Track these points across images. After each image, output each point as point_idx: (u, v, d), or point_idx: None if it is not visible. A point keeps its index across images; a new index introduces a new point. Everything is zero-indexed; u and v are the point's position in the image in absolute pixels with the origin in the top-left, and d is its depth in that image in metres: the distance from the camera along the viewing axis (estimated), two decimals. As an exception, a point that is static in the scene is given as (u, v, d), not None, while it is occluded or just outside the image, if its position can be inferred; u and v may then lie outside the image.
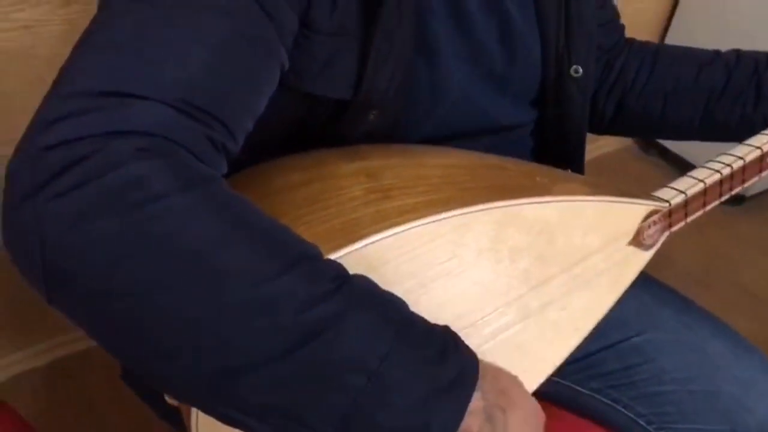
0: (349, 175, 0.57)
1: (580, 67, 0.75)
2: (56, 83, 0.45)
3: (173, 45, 0.47)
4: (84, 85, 0.44)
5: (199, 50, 0.47)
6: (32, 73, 1.09)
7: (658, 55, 0.87)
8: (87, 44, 0.47)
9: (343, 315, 0.42)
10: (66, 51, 1.15)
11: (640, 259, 0.63)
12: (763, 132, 0.71)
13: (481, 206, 0.54)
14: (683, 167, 1.92)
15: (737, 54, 0.84)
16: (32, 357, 1.40)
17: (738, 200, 1.95)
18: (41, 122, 0.43)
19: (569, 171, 0.82)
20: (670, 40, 2.00)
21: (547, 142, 0.82)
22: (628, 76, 0.87)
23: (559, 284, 0.58)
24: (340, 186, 0.56)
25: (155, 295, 0.40)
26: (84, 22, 1.07)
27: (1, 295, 1.27)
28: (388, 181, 0.56)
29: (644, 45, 0.90)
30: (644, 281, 0.75)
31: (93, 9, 1.07)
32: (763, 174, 0.69)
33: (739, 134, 0.76)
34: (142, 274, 0.40)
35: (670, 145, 2.06)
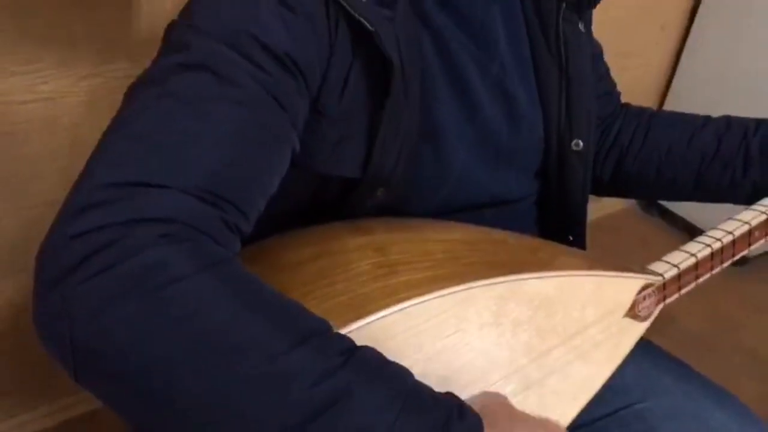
0: (357, 249, 0.60)
1: (580, 141, 0.79)
2: (83, 174, 0.49)
3: (193, 136, 0.51)
4: (109, 176, 0.48)
5: (217, 140, 0.51)
6: (54, 142, 1.14)
7: (652, 120, 0.92)
8: (113, 135, 0.51)
9: (352, 388, 0.44)
10: (87, 120, 1.20)
11: (637, 330, 0.65)
12: (751, 207, 0.74)
13: (483, 281, 0.57)
14: (685, 228, 1.97)
15: (727, 120, 0.88)
16: (43, 417, 1.41)
17: (741, 262, 1.97)
18: (69, 213, 0.46)
19: (570, 240, 0.86)
20: (668, 106, 2.05)
21: (550, 213, 0.85)
22: (624, 140, 0.92)
23: (558, 355, 0.61)
24: (349, 260, 0.59)
25: (175, 372, 0.42)
26: (104, 94, 1.13)
27: (13, 357, 1.30)
28: (394, 256, 0.60)
29: (639, 111, 0.94)
30: (644, 347, 0.77)
31: (113, 82, 1.13)
32: (753, 247, 0.72)
33: (731, 197, 0.80)
34: (162, 353, 0.42)
35: (672, 206, 2.09)
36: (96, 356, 0.43)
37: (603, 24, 1.84)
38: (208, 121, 0.52)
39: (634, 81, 1.96)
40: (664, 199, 0.82)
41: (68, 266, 0.44)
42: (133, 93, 0.54)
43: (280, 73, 0.57)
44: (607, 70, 0.93)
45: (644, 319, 0.66)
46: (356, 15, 0.60)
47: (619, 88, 1.83)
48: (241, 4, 0.58)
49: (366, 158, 0.65)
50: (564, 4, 0.76)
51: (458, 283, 0.56)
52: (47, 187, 1.16)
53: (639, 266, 0.68)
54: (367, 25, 0.60)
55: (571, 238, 0.86)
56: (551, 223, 0.85)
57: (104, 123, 1.17)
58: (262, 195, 0.57)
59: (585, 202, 0.85)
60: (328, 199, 0.69)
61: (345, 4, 0.59)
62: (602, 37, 1.95)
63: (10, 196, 1.14)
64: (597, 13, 1.90)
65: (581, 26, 0.78)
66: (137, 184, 0.47)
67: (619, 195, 0.96)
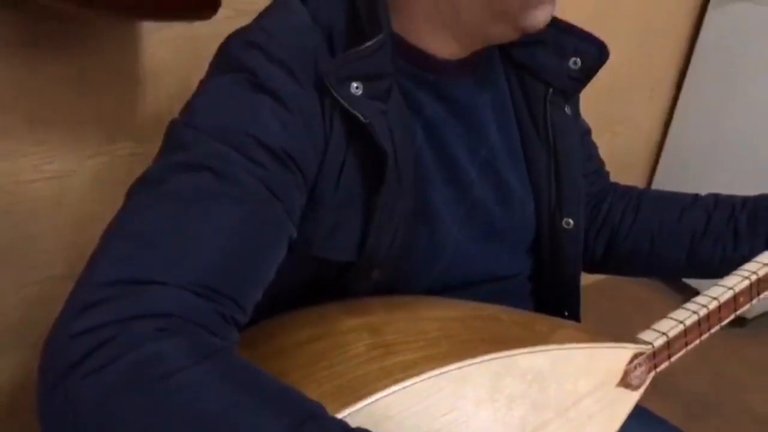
0: (353, 331, 0.62)
1: (571, 220, 0.82)
2: (85, 272, 0.51)
3: (191, 233, 0.54)
4: (109, 275, 0.50)
5: (214, 237, 0.54)
6: (60, 219, 1.16)
7: (642, 198, 0.94)
8: (113, 235, 0.54)
9: None
10: (92, 197, 1.22)
11: (630, 398, 0.67)
12: (734, 272, 0.76)
13: (477, 359, 0.58)
14: (682, 290, 1.97)
15: (715, 198, 0.91)
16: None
17: (740, 323, 1.97)
18: (70, 312, 0.48)
19: (566, 315, 0.87)
20: (659, 170, 2.09)
21: (544, 287, 0.87)
22: (614, 219, 0.94)
23: (554, 429, 0.62)
24: (345, 342, 0.61)
25: None
26: (108, 173, 1.16)
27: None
28: (389, 336, 0.61)
29: (628, 189, 0.97)
30: (640, 415, 0.78)
31: (117, 161, 1.16)
32: (738, 311, 0.74)
33: (724, 272, 0.82)
34: None
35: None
36: None
37: (592, 90, 1.88)
38: (207, 219, 0.55)
39: (624, 146, 2.01)
40: (658, 277, 0.84)
41: (70, 364, 0.46)
42: (134, 192, 0.57)
43: (277, 167, 0.60)
44: (595, 148, 0.96)
45: (636, 387, 0.67)
46: (351, 109, 0.63)
47: (609, 153, 1.87)
48: (238, 103, 0.61)
49: (361, 242, 0.67)
50: (551, 90, 0.79)
51: (453, 362, 0.57)
52: (51, 264, 1.19)
53: (629, 335, 0.70)
54: (362, 118, 0.63)
55: (566, 313, 0.87)
56: (546, 297, 0.87)
57: (109, 200, 1.20)
58: (259, 286, 0.59)
59: (578, 277, 0.87)
60: (325, 280, 0.71)
61: (341, 100, 0.63)
62: (592, 104, 1.99)
63: (14, 273, 1.16)
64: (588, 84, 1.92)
65: (567, 109, 0.81)
66: (136, 282, 0.50)
67: (613, 273, 0.98)
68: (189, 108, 0.63)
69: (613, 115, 1.93)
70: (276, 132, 0.60)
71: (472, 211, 0.77)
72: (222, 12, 0.94)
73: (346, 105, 0.63)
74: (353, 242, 0.67)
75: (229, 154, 0.58)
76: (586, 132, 0.94)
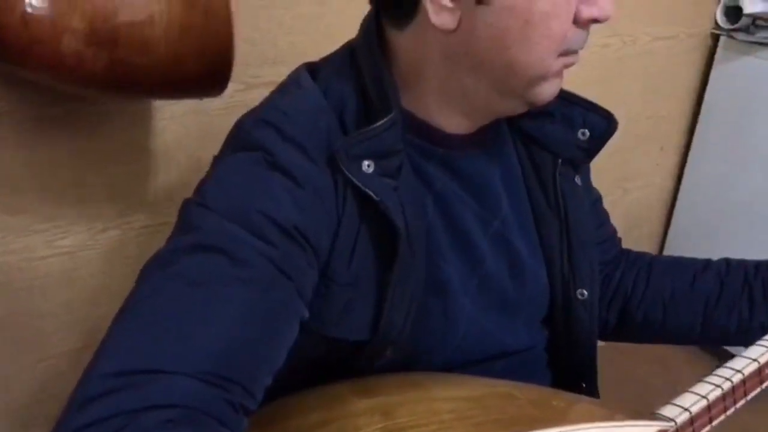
0: (364, 413, 0.61)
1: (585, 291, 0.80)
2: (94, 360, 0.51)
3: (201, 319, 0.53)
4: (114, 365, 0.50)
5: (224, 323, 0.54)
6: (72, 294, 1.16)
7: (653, 264, 0.93)
8: (122, 322, 0.54)
9: None
10: (104, 272, 1.23)
11: (652, 480, 0.64)
12: (758, 343, 0.74)
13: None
14: (701, 348, 1.93)
15: (727, 262, 0.89)
16: None
17: None
18: (77, 402, 0.48)
19: (583, 386, 0.85)
20: (673, 226, 2.07)
21: (560, 359, 0.85)
22: (627, 287, 0.92)
23: None
24: (357, 426, 0.59)
25: None
26: (120, 247, 1.17)
27: None
28: (401, 419, 0.60)
29: (640, 255, 0.96)
30: None
31: (129, 233, 1.16)
32: (764, 385, 0.72)
33: (740, 339, 0.80)
34: None
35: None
36: None
37: (602, 151, 1.89)
38: (217, 304, 0.54)
39: (637, 203, 2.00)
40: (674, 344, 0.82)
41: None
42: (145, 274, 0.57)
43: (289, 245, 0.60)
44: (607, 216, 0.95)
45: (659, 468, 0.65)
46: (363, 188, 0.63)
47: (622, 210, 1.87)
48: (251, 182, 0.61)
49: (375, 320, 0.67)
50: (560, 161, 0.79)
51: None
52: (64, 339, 1.18)
53: (648, 411, 0.68)
54: (374, 196, 0.63)
55: (583, 385, 0.85)
56: (563, 369, 0.85)
57: (121, 273, 1.20)
58: (269, 371, 0.58)
59: (594, 349, 0.85)
60: (338, 359, 0.70)
61: (353, 179, 0.63)
62: (601, 161, 1.99)
63: (27, 349, 1.16)
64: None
65: (578, 180, 0.81)
66: (142, 372, 0.49)
67: (627, 340, 0.96)
68: (202, 187, 0.63)
69: (624, 173, 1.93)
70: (288, 209, 0.61)
71: (485, 284, 0.76)
72: (231, 86, 0.95)
73: (358, 183, 0.63)
74: (367, 320, 0.67)
75: (241, 234, 0.58)
76: (597, 200, 0.94)
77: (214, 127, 1.16)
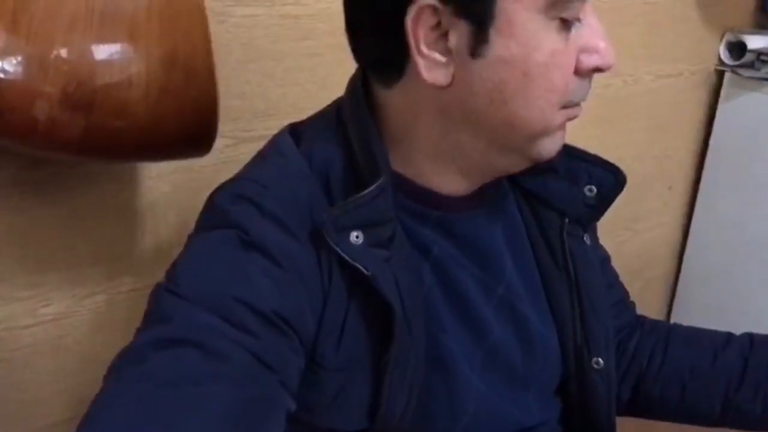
0: None
1: (600, 359, 0.75)
2: None
3: (175, 425, 0.47)
4: None
5: (199, 427, 0.47)
6: (58, 363, 1.11)
7: (671, 335, 0.87)
8: (90, 422, 0.48)
9: None
10: (91, 338, 1.17)
11: None
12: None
13: None
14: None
15: (750, 338, 0.83)
16: None
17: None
18: None
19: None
20: (686, 264, 2.01)
21: (575, 431, 0.79)
22: (642, 358, 0.86)
23: None
24: None
25: None
26: (107, 312, 1.12)
27: None
28: None
29: (656, 324, 0.90)
30: None
31: (117, 298, 1.12)
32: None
33: (766, 425, 0.73)
34: None
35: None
36: None
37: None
38: (192, 406, 0.49)
39: (647, 244, 1.94)
40: (691, 424, 0.76)
41: None
42: (113, 372, 0.52)
43: (270, 333, 0.54)
44: (616, 277, 0.90)
45: None
46: (352, 261, 0.58)
47: (632, 251, 1.78)
48: (226, 263, 0.56)
49: (372, 407, 0.61)
50: (566, 219, 0.74)
51: None
52: (49, 411, 1.12)
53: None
54: (364, 270, 0.58)
55: None
56: None
57: (109, 340, 1.15)
58: None
59: (612, 422, 0.78)
60: None
61: (340, 252, 0.58)
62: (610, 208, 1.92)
63: (9, 424, 1.10)
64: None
65: (586, 239, 0.75)
66: None
67: (640, 416, 0.90)
68: (173, 271, 0.58)
69: (632, 213, 1.88)
70: (268, 294, 0.55)
71: (492, 355, 0.70)
72: (221, 141, 0.91)
73: (345, 257, 0.58)
74: (363, 408, 0.61)
75: (216, 325, 0.53)
76: (605, 259, 0.88)
77: (204, 184, 1.10)
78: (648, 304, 1.96)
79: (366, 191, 0.60)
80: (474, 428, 0.68)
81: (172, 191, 1.11)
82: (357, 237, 0.59)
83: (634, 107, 1.76)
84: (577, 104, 0.65)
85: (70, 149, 0.79)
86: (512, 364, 0.72)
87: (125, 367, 0.51)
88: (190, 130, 0.83)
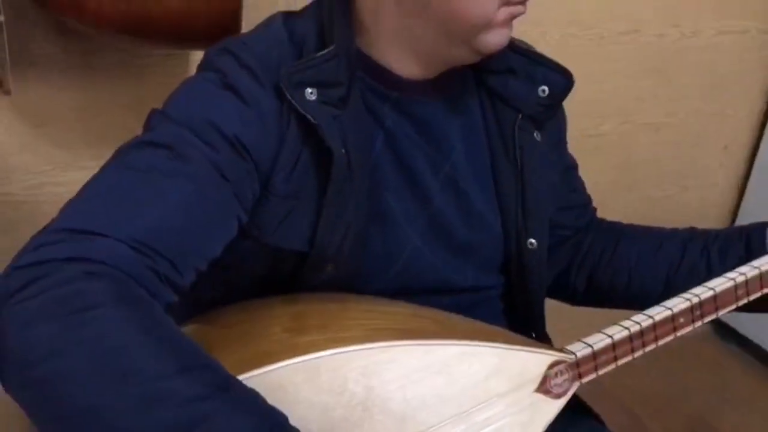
0: (278, 316, 0.68)
1: (534, 240, 0.84)
2: (56, 217, 0.61)
3: (141, 200, 0.62)
4: (65, 223, 0.59)
5: (160, 205, 0.62)
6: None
7: (622, 233, 0.96)
8: (81, 193, 0.63)
9: (219, 414, 0.50)
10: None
11: (550, 407, 0.67)
12: (679, 295, 0.75)
13: (380, 344, 0.62)
14: (761, 356, 1.86)
15: (692, 230, 0.91)
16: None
17: None
18: (26, 248, 0.57)
19: (533, 335, 0.88)
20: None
21: (516, 307, 0.89)
22: (595, 253, 0.96)
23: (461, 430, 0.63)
24: (267, 325, 0.66)
25: (73, 383, 0.51)
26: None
27: None
28: (309, 321, 0.66)
29: (611, 225, 0.98)
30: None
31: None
32: (678, 334, 0.73)
33: None
34: (66, 366, 0.51)
35: (749, 333, 1.99)
36: (18, 363, 0.52)
37: (658, 143, 1.84)
38: (157, 189, 0.63)
39: (696, 202, 1.94)
40: (635, 308, 0.83)
41: (11, 290, 0.54)
42: (109, 160, 0.66)
43: (230, 152, 0.68)
44: (581, 184, 0.98)
45: (558, 396, 0.68)
46: (302, 111, 0.70)
47: (679, 207, 1.81)
48: (205, 96, 0.71)
49: (312, 234, 0.73)
50: (520, 116, 0.83)
51: (354, 344, 0.61)
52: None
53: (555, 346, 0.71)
54: (312, 119, 0.70)
55: (533, 335, 0.88)
56: (517, 317, 0.89)
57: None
58: (201, 257, 0.66)
59: (542, 298, 0.89)
60: (284, 272, 0.77)
61: (293, 102, 0.70)
62: (659, 157, 1.94)
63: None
64: (650, 135, 1.94)
65: (537, 136, 0.84)
66: (82, 232, 0.58)
67: (595, 304, 0.99)
68: (167, 100, 0.72)
69: (682, 169, 1.88)
70: (234, 122, 0.69)
71: (433, 222, 0.80)
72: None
73: (298, 107, 0.70)
74: (304, 234, 0.73)
75: (188, 137, 0.67)
76: (572, 167, 0.96)
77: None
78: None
79: (318, 54, 0.72)
80: (407, 276, 0.79)
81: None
82: (311, 93, 0.71)
83: (691, 61, 1.76)
84: (520, 2, 0.73)
85: (111, 28, 0.95)
86: (452, 232, 0.82)
87: (114, 158, 0.66)
88: (218, 19, 0.97)
